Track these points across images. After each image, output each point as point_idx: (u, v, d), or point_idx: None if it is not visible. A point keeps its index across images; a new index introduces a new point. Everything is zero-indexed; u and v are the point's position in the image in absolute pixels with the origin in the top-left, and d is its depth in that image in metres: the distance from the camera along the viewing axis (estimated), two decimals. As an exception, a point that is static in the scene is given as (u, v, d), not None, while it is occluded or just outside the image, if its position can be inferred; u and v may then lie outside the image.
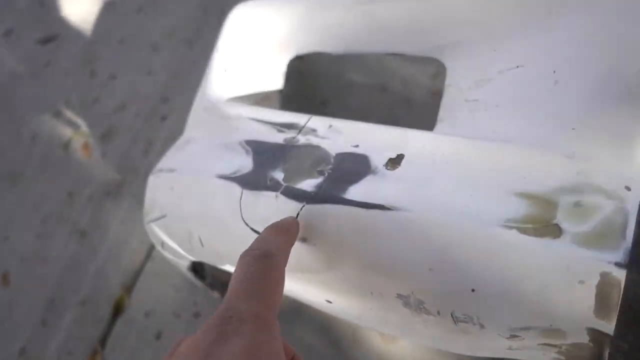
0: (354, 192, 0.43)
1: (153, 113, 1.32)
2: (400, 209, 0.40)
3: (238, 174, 0.51)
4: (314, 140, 0.50)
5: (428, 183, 0.40)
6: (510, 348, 0.40)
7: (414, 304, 0.41)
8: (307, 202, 0.45)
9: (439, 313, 0.40)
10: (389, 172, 0.43)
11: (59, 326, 1.14)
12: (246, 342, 0.30)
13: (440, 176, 0.40)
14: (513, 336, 0.38)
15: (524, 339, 0.38)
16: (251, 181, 0.49)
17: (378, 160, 0.44)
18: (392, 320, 0.45)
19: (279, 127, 0.53)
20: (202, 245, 0.56)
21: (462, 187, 0.39)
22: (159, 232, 0.66)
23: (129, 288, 1.12)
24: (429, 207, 0.39)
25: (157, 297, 1.10)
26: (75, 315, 1.13)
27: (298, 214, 0.45)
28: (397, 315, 0.42)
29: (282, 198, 0.46)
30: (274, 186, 0.48)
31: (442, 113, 0.48)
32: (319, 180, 0.45)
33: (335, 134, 0.49)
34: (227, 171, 0.53)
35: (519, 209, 0.36)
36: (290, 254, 0.41)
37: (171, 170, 0.60)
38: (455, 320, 0.40)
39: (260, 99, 0.63)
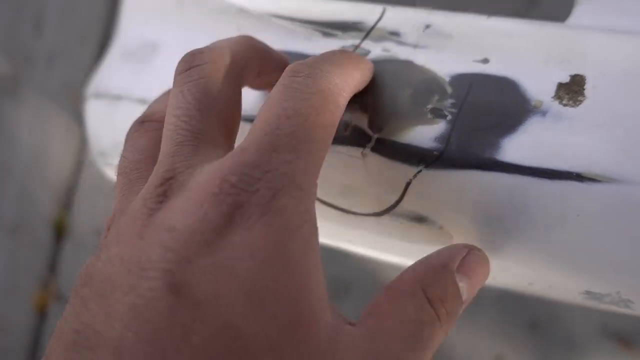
0: (515, 149, 0.26)
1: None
2: (613, 180, 0.24)
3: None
4: (397, 50, 0.30)
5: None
6: None
7: (609, 301, 0.27)
8: (426, 166, 0.27)
9: (648, 311, 0.26)
10: (569, 109, 0.26)
11: (-10, 261, 0.92)
12: (274, 230, 0.20)
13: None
14: None
15: None
16: (308, 128, 0.30)
17: (538, 87, 0.27)
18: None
19: (321, 28, 0.33)
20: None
21: None
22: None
23: (66, 205, 0.91)
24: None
25: (106, 210, 0.90)
26: (7, 245, 0.91)
27: (409, 184, 0.28)
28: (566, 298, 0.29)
29: (374, 157, 0.28)
30: (354, 138, 0.29)
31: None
32: (440, 126, 0.27)
33: (438, 40, 0.29)
34: (253, 109, 0.33)
35: None
36: (387, 231, 0.29)
37: (142, 101, 0.38)
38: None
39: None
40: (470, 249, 0.26)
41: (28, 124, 0.93)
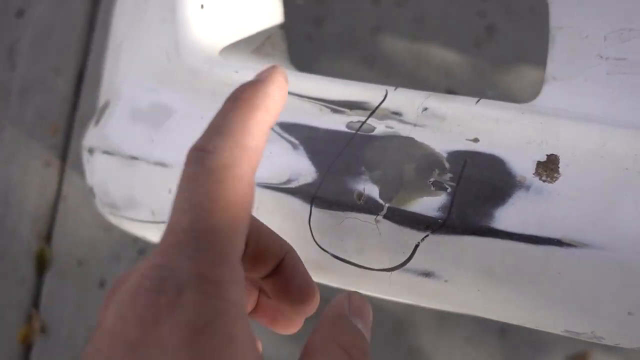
0: (506, 218, 0.32)
1: (2, 8, 0.98)
2: (587, 246, 0.30)
3: (295, 184, 0.37)
4: (399, 128, 0.36)
5: (613, 203, 0.30)
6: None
7: (585, 338, 0.33)
8: (432, 232, 0.33)
9: (616, 344, 0.33)
10: (547, 185, 0.32)
11: (-30, 298, 0.93)
12: (184, 326, 0.21)
13: (627, 191, 0.30)
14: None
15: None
16: (325, 197, 0.35)
17: (520, 165, 0.33)
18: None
19: (331, 105, 0.38)
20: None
21: (663, 207, 0.29)
22: (140, 230, 0.49)
23: (46, 237, 0.92)
24: (628, 242, 0.30)
25: (86, 242, 0.93)
26: (-12, 281, 0.92)
27: (417, 246, 0.33)
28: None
29: (386, 223, 0.34)
30: (368, 206, 0.34)
31: (552, 68, 0.36)
32: (441, 198, 0.33)
33: (435, 120, 0.35)
34: (271, 177, 0.37)
35: None
36: (398, 283, 0.32)
37: (161, 164, 0.42)
38: (632, 346, 0.33)
39: (260, 44, 0.44)
40: (350, 294, 0.28)
41: (4, 156, 0.95)
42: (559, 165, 0.32)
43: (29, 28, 0.98)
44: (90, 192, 0.57)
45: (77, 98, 0.98)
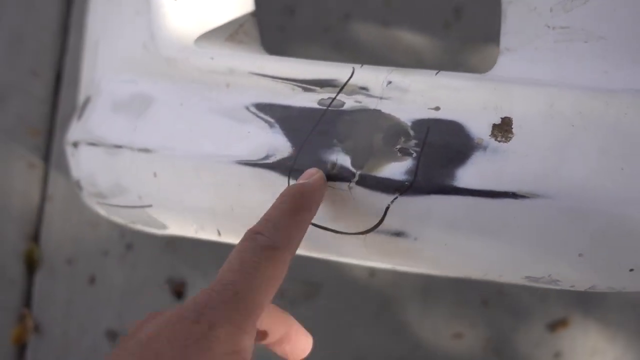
0: (466, 177, 0.35)
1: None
2: (538, 196, 0.33)
3: (273, 159, 0.39)
4: (367, 102, 0.38)
5: (561, 157, 0.34)
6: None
7: (543, 282, 0.36)
8: (400, 194, 0.36)
9: (572, 286, 0.36)
10: (502, 144, 0.35)
11: (-39, 302, 0.94)
12: (208, 353, 0.27)
13: (573, 146, 0.34)
14: None
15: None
16: (301, 169, 0.38)
17: (478, 128, 0.36)
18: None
19: (302, 85, 0.40)
20: (220, 234, 0.45)
21: (606, 159, 0.33)
22: (127, 216, 0.52)
23: (34, 237, 0.94)
24: (575, 191, 0.33)
25: (74, 239, 0.95)
26: (-22, 284, 0.93)
27: (388, 208, 0.36)
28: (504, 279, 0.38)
29: (358, 189, 0.37)
30: (341, 175, 0.37)
31: (505, 40, 0.39)
32: (407, 162, 0.36)
33: (399, 92, 0.38)
34: (250, 154, 0.40)
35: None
36: (372, 245, 0.36)
37: (145, 150, 0.45)
38: (590, 288, 0.37)
39: (234, 32, 0.46)
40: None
41: (-17, 159, 0.96)
42: (513, 127, 0.35)
43: (3, 33, 0.99)
44: (76, 186, 0.59)
45: (56, 99, 0.99)
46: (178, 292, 0.94)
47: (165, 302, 0.93)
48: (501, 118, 0.36)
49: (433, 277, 0.96)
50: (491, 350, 0.98)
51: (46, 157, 0.97)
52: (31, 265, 0.94)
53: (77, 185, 0.57)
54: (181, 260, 0.94)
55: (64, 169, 0.95)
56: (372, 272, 0.96)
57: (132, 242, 0.95)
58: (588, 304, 0.98)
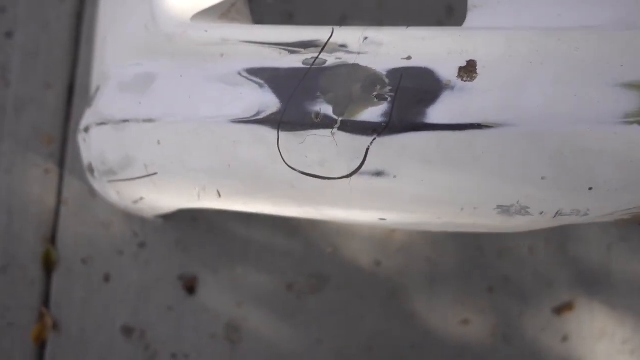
0: (436, 114, 0.38)
1: (-10, 30, 1.06)
2: (501, 125, 0.37)
3: (264, 115, 0.43)
4: (346, 58, 0.42)
5: (521, 89, 0.37)
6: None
7: (514, 211, 0.40)
8: (378, 135, 0.39)
9: (541, 214, 0.39)
10: (467, 83, 0.38)
11: (-17, 303, 0.98)
12: None
13: (531, 79, 0.37)
14: (608, 215, 0.40)
15: (614, 213, 0.40)
16: (289, 121, 0.42)
17: (446, 71, 0.39)
18: (465, 224, 0.44)
19: (288, 48, 0.45)
20: (220, 196, 0.48)
21: (560, 87, 0.36)
22: (136, 190, 0.56)
23: (51, 239, 0.98)
24: (533, 117, 0.36)
25: (88, 239, 0.99)
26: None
27: (368, 149, 0.40)
28: (483, 221, 0.41)
29: (340, 135, 0.40)
30: (324, 122, 0.41)
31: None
32: (383, 106, 0.40)
33: (374, 47, 0.42)
34: (243, 113, 0.44)
35: (632, 101, 0.35)
36: (357, 189, 0.38)
37: (149, 120, 0.49)
38: (558, 214, 0.39)
39: (226, 11, 0.51)
40: None
41: (5, 168, 1.01)
42: (477, 68, 0.39)
43: (19, 47, 1.05)
44: (88, 170, 0.64)
45: (69, 109, 1.04)
46: (190, 287, 0.97)
47: (178, 297, 0.96)
48: (466, 61, 0.39)
49: (438, 264, 0.99)
50: (499, 336, 0.99)
51: (61, 163, 1.02)
52: (49, 266, 0.98)
53: (89, 168, 0.62)
54: (192, 258, 0.98)
55: (78, 173, 1.00)
56: (378, 261, 0.99)
57: (144, 240, 0.99)
58: (593, 287, 0.99)
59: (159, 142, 0.49)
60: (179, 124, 0.47)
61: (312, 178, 0.43)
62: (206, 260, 0.97)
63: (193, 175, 0.48)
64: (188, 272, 0.98)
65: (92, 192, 0.99)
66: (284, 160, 0.43)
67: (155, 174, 0.51)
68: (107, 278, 0.97)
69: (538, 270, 0.99)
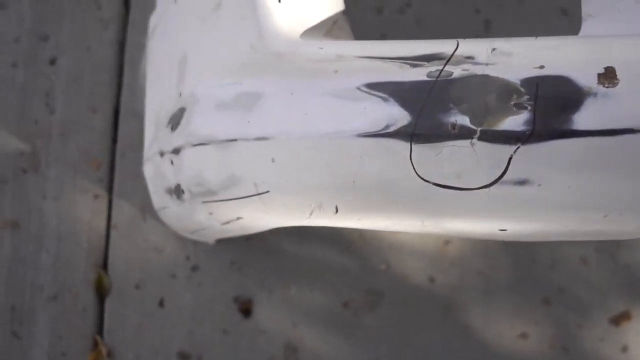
0: (583, 120, 0.39)
1: (33, 57, 1.06)
2: (654, 129, 0.37)
3: (393, 128, 0.44)
4: (474, 69, 0.43)
5: (668, 93, 0.38)
6: None
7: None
8: (522, 143, 0.40)
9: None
10: (610, 89, 0.39)
11: (35, 332, 0.97)
12: None
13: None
14: None
15: None
16: (422, 133, 0.42)
17: (584, 78, 0.40)
18: (590, 232, 0.44)
19: (409, 61, 0.45)
20: (337, 212, 0.48)
21: None
22: (236, 210, 0.55)
23: (102, 265, 0.97)
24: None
25: (140, 264, 0.98)
26: (51, 313, 0.96)
27: (511, 158, 0.40)
28: (622, 228, 0.42)
29: (480, 144, 0.41)
30: (462, 133, 0.41)
31: (587, 8, 0.44)
32: (524, 115, 0.40)
33: (504, 57, 0.43)
34: (370, 127, 0.45)
35: None
36: (495, 199, 0.38)
37: (262, 139, 0.49)
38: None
39: (329, 29, 0.52)
40: None
41: (53, 195, 1.00)
42: (617, 74, 0.40)
43: (63, 73, 1.05)
44: (174, 191, 0.63)
45: (115, 132, 1.04)
46: (246, 310, 0.96)
47: (234, 320, 0.95)
48: (604, 68, 0.40)
49: (491, 277, 0.99)
50: (558, 348, 0.99)
51: (109, 187, 1.01)
52: (101, 292, 0.97)
53: (176, 189, 0.61)
54: (246, 279, 0.97)
55: (127, 197, 1.00)
56: (431, 277, 0.99)
57: (197, 264, 0.98)
58: (647, 296, 0.99)
59: (273, 160, 0.49)
60: (295, 140, 0.47)
61: (444, 190, 0.43)
62: (261, 281, 0.97)
63: (311, 192, 0.48)
64: (243, 294, 0.97)
65: (143, 216, 0.99)
66: (416, 173, 0.43)
67: (267, 192, 0.51)
68: (161, 303, 0.96)
69: (591, 280, 0.99)
